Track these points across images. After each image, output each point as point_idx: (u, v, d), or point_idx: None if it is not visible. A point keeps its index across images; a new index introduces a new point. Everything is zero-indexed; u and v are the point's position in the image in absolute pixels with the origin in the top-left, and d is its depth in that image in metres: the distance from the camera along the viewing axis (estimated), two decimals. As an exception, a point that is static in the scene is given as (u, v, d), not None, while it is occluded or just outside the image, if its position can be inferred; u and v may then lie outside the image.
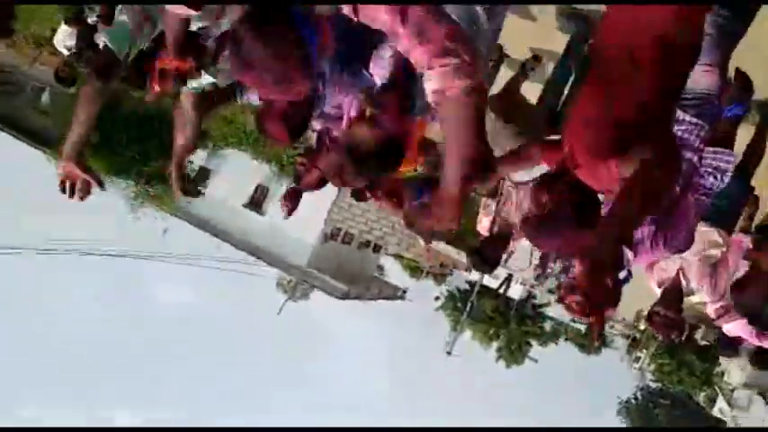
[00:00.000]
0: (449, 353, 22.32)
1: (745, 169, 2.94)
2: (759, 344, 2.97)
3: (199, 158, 17.13)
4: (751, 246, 2.71)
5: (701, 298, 2.83)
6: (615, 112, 1.62)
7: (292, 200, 3.01)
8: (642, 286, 3.01)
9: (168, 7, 1.66)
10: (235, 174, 17.37)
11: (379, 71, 2.15)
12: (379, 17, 1.25)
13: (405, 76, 2.03)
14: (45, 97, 13.80)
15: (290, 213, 3.02)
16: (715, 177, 2.27)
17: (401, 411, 71.75)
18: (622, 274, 2.44)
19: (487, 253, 3.06)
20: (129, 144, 12.98)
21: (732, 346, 4.58)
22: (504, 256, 3.17)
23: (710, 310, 2.83)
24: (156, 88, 2.11)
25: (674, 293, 2.73)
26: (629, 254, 2.40)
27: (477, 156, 1.31)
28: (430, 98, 1.29)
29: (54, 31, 12.57)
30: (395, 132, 1.95)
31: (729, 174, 2.27)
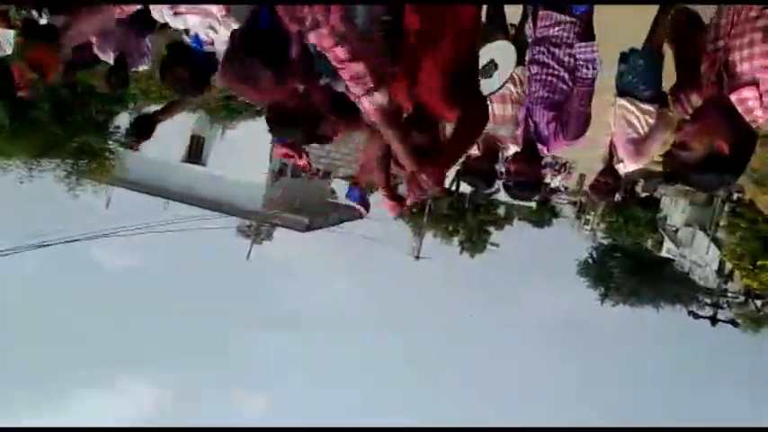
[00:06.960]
0: (417, 257, 23.09)
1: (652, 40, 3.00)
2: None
3: (123, 121, 16.08)
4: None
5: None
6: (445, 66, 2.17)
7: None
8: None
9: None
10: (165, 129, 16.38)
11: None
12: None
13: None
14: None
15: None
16: (587, 68, 2.63)
17: (381, 323, 74.50)
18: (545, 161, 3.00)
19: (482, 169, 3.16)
20: (50, 122, 11.93)
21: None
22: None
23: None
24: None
25: (609, 164, 3.23)
26: (543, 149, 2.95)
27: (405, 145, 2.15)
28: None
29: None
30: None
31: (598, 62, 2.64)
